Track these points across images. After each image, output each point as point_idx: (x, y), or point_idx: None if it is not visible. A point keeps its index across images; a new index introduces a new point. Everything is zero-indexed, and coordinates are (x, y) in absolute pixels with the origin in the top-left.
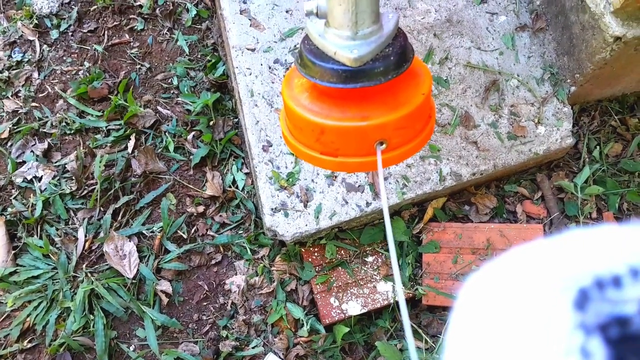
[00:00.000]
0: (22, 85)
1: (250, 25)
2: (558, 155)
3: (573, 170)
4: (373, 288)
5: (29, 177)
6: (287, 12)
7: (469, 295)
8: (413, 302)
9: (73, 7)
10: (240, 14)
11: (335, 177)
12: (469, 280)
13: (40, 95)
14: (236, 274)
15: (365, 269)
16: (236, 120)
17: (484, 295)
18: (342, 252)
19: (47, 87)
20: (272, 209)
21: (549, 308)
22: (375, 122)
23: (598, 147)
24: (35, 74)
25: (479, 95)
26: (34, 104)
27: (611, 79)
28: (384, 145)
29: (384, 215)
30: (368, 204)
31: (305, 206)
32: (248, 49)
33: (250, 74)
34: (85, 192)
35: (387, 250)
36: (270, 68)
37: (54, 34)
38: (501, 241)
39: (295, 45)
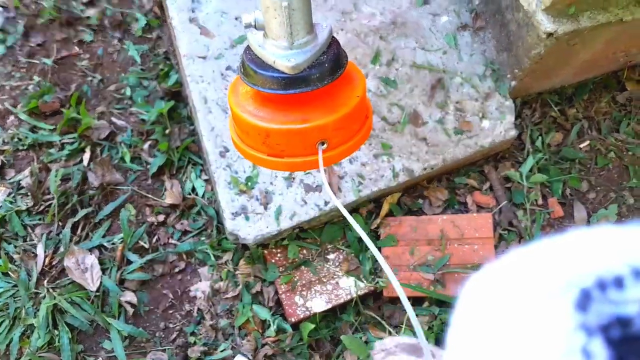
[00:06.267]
0: None
1: (200, 34)
2: (503, 146)
3: (518, 160)
4: (336, 284)
5: None
6: (236, 19)
7: (470, 296)
8: (375, 295)
9: (19, 21)
10: (190, 22)
11: (293, 178)
12: (470, 281)
13: None
14: (201, 281)
15: (327, 266)
16: (192, 127)
17: (485, 296)
18: (304, 251)
19: None
20: (232, 213)
21: (550, 309)
22: (316, 124)
23: (540, 137)
24: None
25: (425, 93)
26: None
27: (548, 72)
28: (325, 145)
29: (341, 211)
30: (326, 203)
31: (266, 208)
32: (199, 57)
33: (203, 82)
34: (42, 207)
35: (348, 247)
36: (222, 75)
37: (1, 49)
38: (454, 231)
39: None
